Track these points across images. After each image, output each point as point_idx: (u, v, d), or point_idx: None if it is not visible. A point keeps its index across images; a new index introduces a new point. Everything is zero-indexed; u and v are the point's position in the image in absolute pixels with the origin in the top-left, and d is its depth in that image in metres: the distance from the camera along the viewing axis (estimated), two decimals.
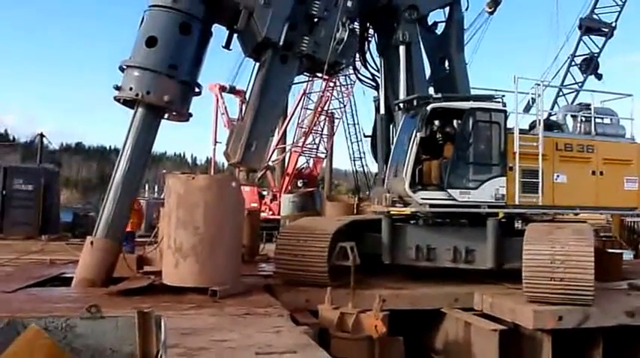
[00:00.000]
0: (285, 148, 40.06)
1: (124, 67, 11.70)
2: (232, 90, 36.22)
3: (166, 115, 12.26)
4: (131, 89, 11.48)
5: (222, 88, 37.50)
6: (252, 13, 12.05)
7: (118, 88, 11.64)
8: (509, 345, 9.78)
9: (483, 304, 10.94)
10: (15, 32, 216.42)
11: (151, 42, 11.56)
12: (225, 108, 37.98)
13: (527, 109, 14.39)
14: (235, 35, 12.90)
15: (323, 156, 42.78)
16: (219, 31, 12.97)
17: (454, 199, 11.63)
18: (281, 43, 12.32)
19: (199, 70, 12.55)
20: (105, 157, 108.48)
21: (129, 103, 11.87)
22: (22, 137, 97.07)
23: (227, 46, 13.14)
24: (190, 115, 12.62)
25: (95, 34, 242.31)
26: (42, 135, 32.12)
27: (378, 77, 15.38)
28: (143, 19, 11.92)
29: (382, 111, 14.93)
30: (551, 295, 9.80)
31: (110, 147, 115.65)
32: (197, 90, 12.51)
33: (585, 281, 9.64)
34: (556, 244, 9.96)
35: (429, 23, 15.28)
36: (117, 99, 11.81)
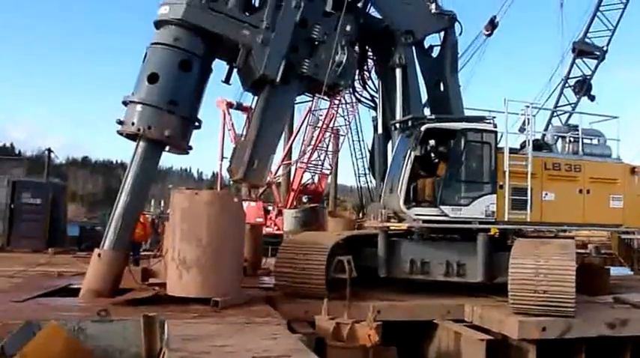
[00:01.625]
0: (290, 164, 40.46)
1: (127, 101, 12.15)
2: (239, 107, 36.77)
3: (167, 148, 12.68)
4: (133, 124, 11.91)
5: (230, 105, 38.00)
6: (251, 51, 12.48)
7: (120, 123, 12.08)
8: (497, 354, 10.17)
9: (473, 315, 11.35)
10: (20, 46, 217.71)
11: (152, 78, 12.00)
12: (232, 124, 38.52)
13: (522, 130, 14.84)
14: (235, 70, 13.34)
15: (328, 172, 43.09)
16: (220, 62, 13.44)
17: (446, 215, 12.08)
18: (278, 80, 12.66)
19: (199, 105, 13.00)
20: (111, 172, 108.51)
21: (131, 137, 12.29)
22: (27, 150, 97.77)
23: (227, 80, 13.63)
24: (190, 148, 13.04)
25: (101, 49, 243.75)
26: (49, 150, 32.85)
27: (377, 98, 15.88)
28: (146, 55, 12.37)
29: (380, 130, 15.45)
30: (535, 307, 10.24)
31: (116, 161, 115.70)
32: (197, 124, 12.91)
33: (567, 294, 10.08)
34: (540, 258, 10.40)
35: (425, 47, 15.71)
36: (120, 133, 12.24)
